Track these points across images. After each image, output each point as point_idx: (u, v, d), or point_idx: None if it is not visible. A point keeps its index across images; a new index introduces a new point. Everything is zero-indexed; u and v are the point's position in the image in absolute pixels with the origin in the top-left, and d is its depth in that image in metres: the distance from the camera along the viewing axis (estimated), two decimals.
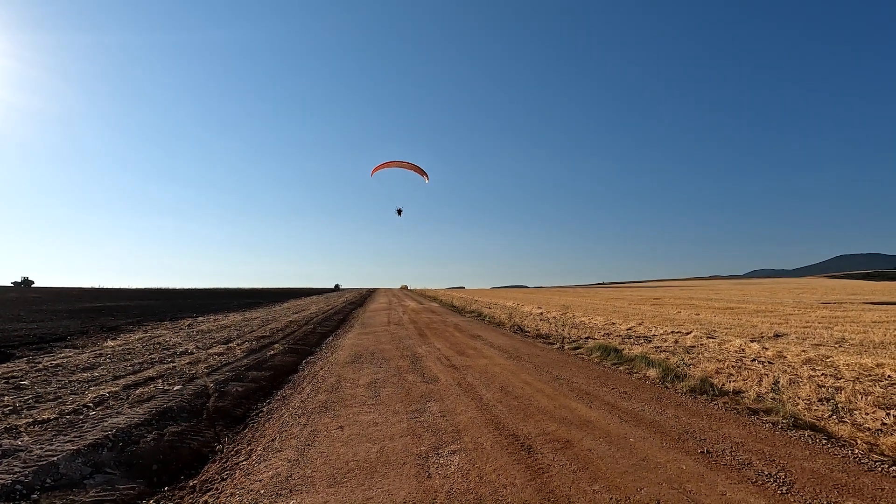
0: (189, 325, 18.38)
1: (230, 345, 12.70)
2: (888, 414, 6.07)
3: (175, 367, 9.43)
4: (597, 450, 4.95)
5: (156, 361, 10.04)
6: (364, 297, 57.50)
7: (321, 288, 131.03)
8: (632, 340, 13.34)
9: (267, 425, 6.22)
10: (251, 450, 5.33)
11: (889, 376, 8.25)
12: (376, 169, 25.81)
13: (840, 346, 11.88)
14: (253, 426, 6.25)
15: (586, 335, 14.59)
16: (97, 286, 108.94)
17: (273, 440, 5.58)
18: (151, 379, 8.28)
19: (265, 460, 4.98)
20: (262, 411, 6.98)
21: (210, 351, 11.52)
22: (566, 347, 12.28)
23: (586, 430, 5.59)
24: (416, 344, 13.13)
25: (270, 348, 12.17)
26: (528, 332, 15.87)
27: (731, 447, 4.99)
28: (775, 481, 4.18)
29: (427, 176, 26.94)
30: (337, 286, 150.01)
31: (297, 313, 25.70)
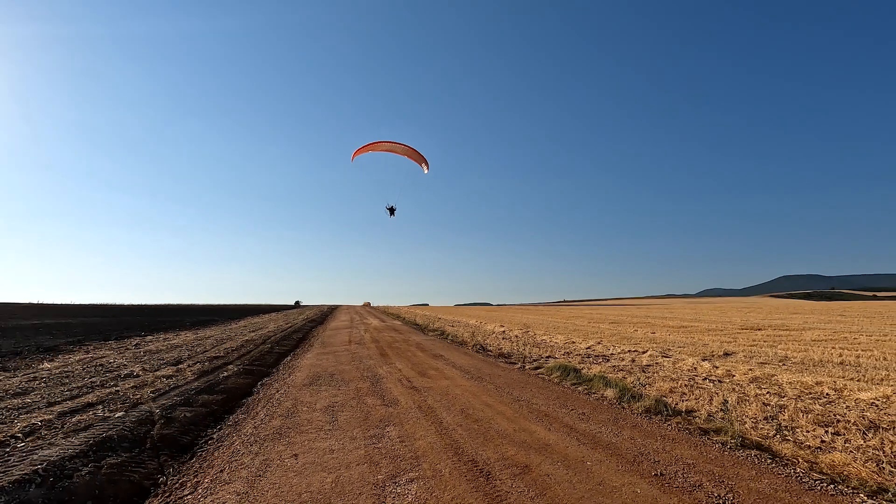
0: (136, 345, 17.42)
1: (180, 366, 12.10)
2: (826, 431, 6.39)
3: (118, 391, 8.88)
4: (555, 475, 4.96)
5: (97, 385, 9.43)
6: (325, 314, 56.29)
7: (281, 305, 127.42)
8: (591, 359, 13.59)
9: (216, 454, 5.91)
10: (198, 482, 5.05)
11: (827, 394, 8.72)
12: (359, 152, 21.11)
13: (783, 365, 12.50)
14: (201, 455, 5.93)
15: (547, 354, 14.76)
16: (38, 301, 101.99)
17: (222, 471, 5.30)
18: (91, 405, 7.75)
19: (212, 493, 4.72)
20: (211, 438, 6.64)
21: (158, 373, 10.92)
22: (527, 367, 12.37)
23: (545, 453, 5.60)
24: (377, 364, 12.91)
25: (224, 369, 11.67)
26: (491, 351, 15.91)
27: (684, 469, 5.11)
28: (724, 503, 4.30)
29: (427, 164, 22.36)
30: (297, 303, 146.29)
31: (254, 331, 24.85)
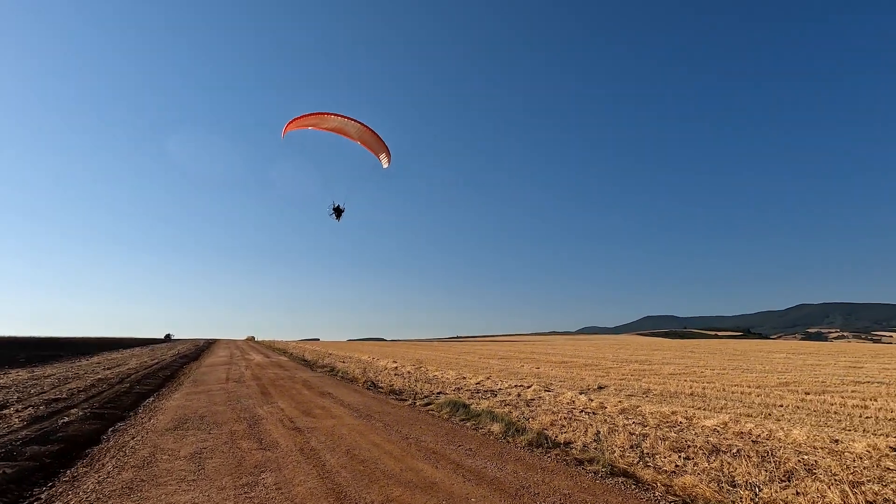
0: None
1: (5, 412, 10.05)
2: (680, 456, 7.15)
3: None
4: None
5: None
6: (201, 349, 50.88)
7: (148, 338, 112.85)
8: (480, 395, 13.88)
9: None
10: None
11: (680, 422, 9.80)
12: (294, 125, 15.99)
13: (647, 396, 13.87)
14: None
15: (438, 390, 14.79)
16: None
17: None
18: None
19: None
20: (38, 499, 5.52)
21: None
22: (418, 403, 12.25)
23: (430, 492, 5.51)
24: (256, 404, 11.88)
25: (65, 414, 9.91)
26: (382, 387, 15.53)
27: (560, 499, 5.34)
28: None
29: (388, 155, 17.62)
30: (168, 336, 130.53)
31: (110, 369, 21.59)
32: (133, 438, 8.32)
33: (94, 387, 14.67)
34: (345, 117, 16.30)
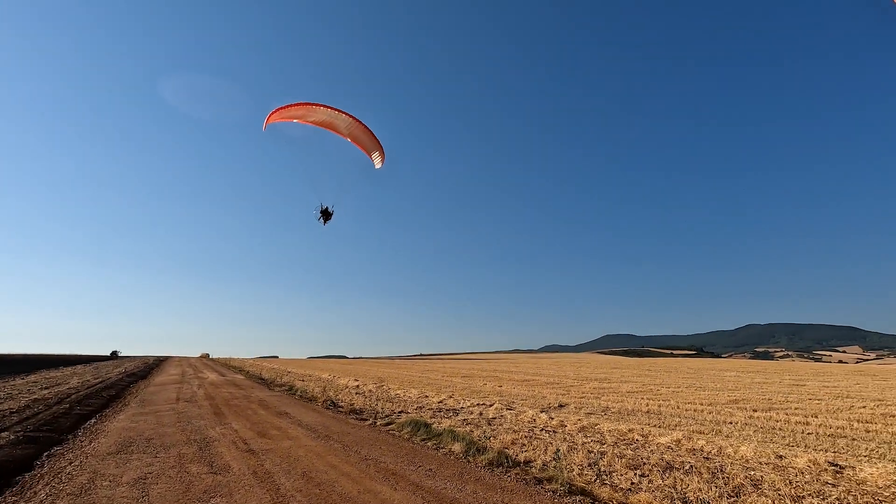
0: None
1: None
2: (636, 474, 7.29)
3: None
4: None
5: None
6: (150, 367, 48.33)
7: (93, 355, 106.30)
8: (442, 413, 13.77)
9: None
10: None
11: (637, 439, 10.02)
12: (278, 115, 14.53)
13: (605, 414, 14.13)
14: None
15: (400, 409, 14.58)
16: None
17: None
18: None
19: None
20: None
21: None
22: (379, 423, 12.03)
23: None
24: (208, 425, 11.36)
25: None
26: (342, 407, 15.17)
27: None
28: None
29: (381, 155, 16.28)
30: (115, 353, 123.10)
31: (48, 388, 20.19)
32: (70, 464, 7.78)
33: (28, 408, 13.67)
34: (335, 110, 14.91)
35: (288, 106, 14.65)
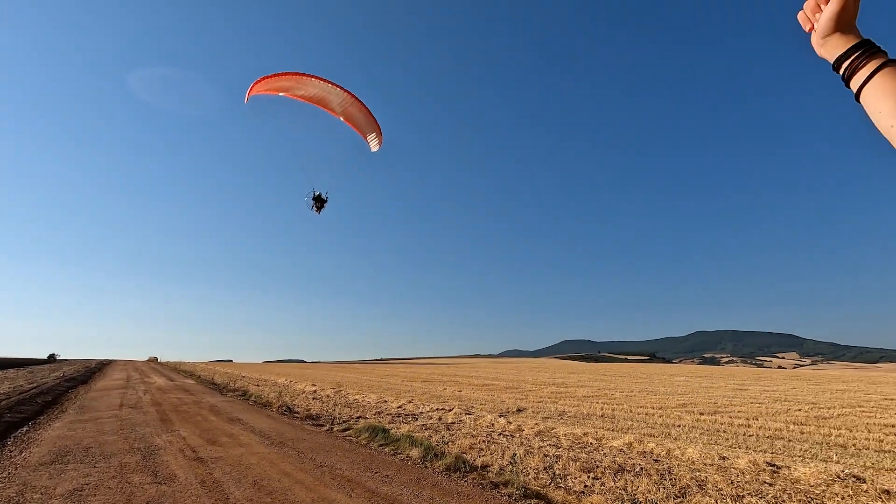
0: None
1: None
2: (589, 476, 7.47)
3: None
4: None
5: None
6: (92, 371, 45.62)
7: (27, 359, 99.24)
8: (401, 419, 13.67)
9: None
10: None
11: (591, 443, 10.27)
12: (262, 86, 12.72)
13: (562, 418, 14.41)
14: None
15: (358, 414, 14.37)
16: None
17: None
18: None
19: None
20: None
21: None
22: (336, 429, 11.80)
23: None
24: (154, 433, 10.82)
25: None
26: (298, 412, 14.79)
27: None
28: None
29: (379, 136, 14.65)
30: (52, 357, 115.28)
31: None
32: None
33: None
34: (329, 83, 13.10)
35: (275, 75, 12.79)
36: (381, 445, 9.68)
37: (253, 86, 12.82)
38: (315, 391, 23.38)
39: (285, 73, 12.82)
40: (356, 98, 13.66)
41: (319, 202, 15.02)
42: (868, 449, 10.53)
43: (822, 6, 1.13)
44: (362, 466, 7.87)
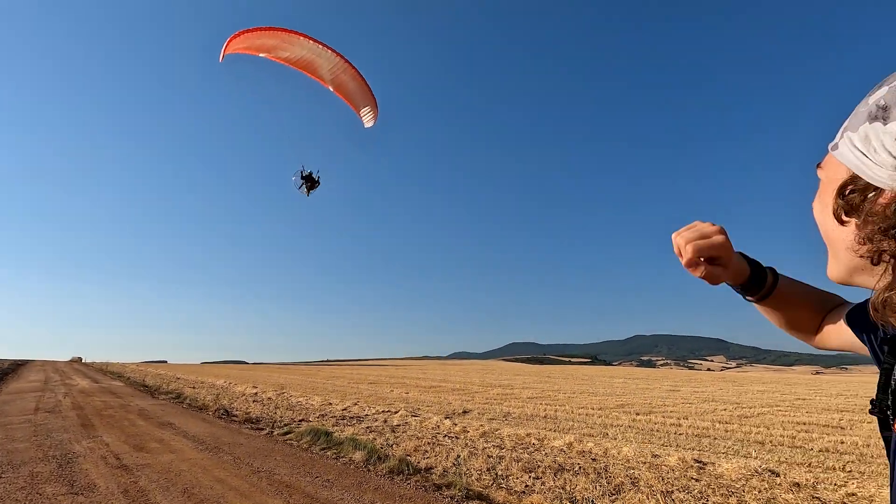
0: None
1: None
2: (530, 476, 7.62)
3: None
4: None
5: None
6: (4, 372, 41.58)
7: None
8: (345, 421, 13.40)
9: None
10: None
11: (533, 443, 10.49)
12: (242, 42, 10.87)
13: (506, 420, 14.65)
14: None
15: (301, 417, 13.95)
16: None
17: None
18: None
19: None
20: None
21: None
22: (276, 433, 11.39)
23: None
24: (73, 439, 9.99)
25: None
26: (237, 416, 14.16)
27: None
28: None
29: (374, 109, 12.74)
30: None
31: None
32: None
33: None
34: (319, 44, 11.19)
35: (256, 30, 10.70)
36: (324, 449, 9.44)
37: (231, 40, 10.88)
38: (256, 393, 22.48)
39: (269, 29, 10.93)
40: (350, 64, 11.90)
41: (310, 182, 13.39)
42: (783, 445, 11.41)
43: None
44: (302, 471, 7.63)
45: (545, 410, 17.18)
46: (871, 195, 0.66)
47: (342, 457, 8.78)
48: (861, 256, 0.67)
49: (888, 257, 0.67)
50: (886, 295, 0.68)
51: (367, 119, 13.11)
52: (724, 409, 18.79)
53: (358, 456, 8.58)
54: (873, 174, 0.66)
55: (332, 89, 12.29)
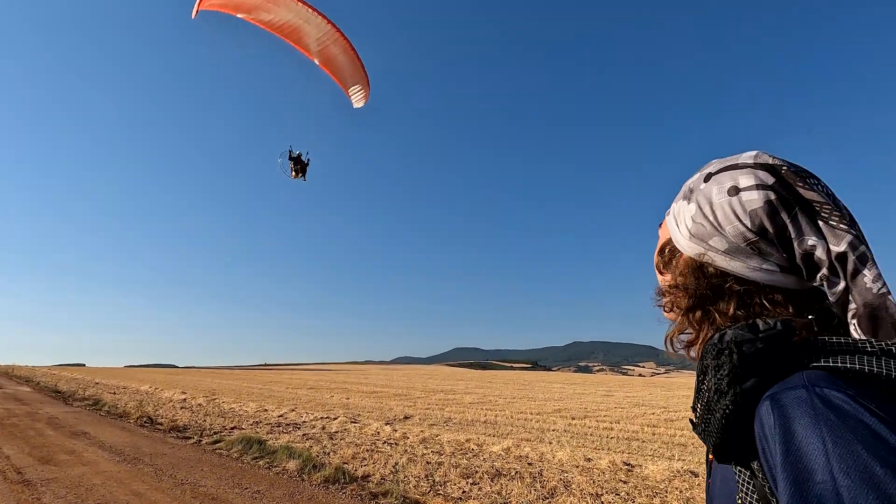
0: None
1: None
2: (468, 482, 7.66)
3: None
4: None
5: None
6: None
7: None
8: (281, 428, 12.91)
9: None
10: None
11: (473, 449, 10.58)
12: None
13: (447, 425, 14.69)
14: None
15: (233, 425, 13.28)
16: None
17: None
18: None
19: None
20: None
21: None
22: (205, 441, 10.77)
23: None
24: None
25: None
26: (162, 424, 13.26)
27: None
28: None
29: (365, 88, 11.34)
30: None
31: None
32: None
33: None
34: (307, 6, 9.56)
35: None
36: (256, 458, 9.02)
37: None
38: (185, 400, 21.18)
39: None
40: (342, 34, 10.31)
41: (298, 164, 12.39)
42: (702, 446, 12.20)
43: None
44: (231, 482, 7.26)
45: (486, 415, 17.39)
46: (676, 255, 0.87)
47: (275, 466, 8.44)
48: (663, 303, 0.90)
49: (676, 308, 0.87)
50: (668, 334, 0.91)
51: (358, 98, 11.87)
52: (653, 413, 19.84)
53: (292, 465, 8.27)
54: (677, 240, 0.86)
55: (317, 62, 10.81)
